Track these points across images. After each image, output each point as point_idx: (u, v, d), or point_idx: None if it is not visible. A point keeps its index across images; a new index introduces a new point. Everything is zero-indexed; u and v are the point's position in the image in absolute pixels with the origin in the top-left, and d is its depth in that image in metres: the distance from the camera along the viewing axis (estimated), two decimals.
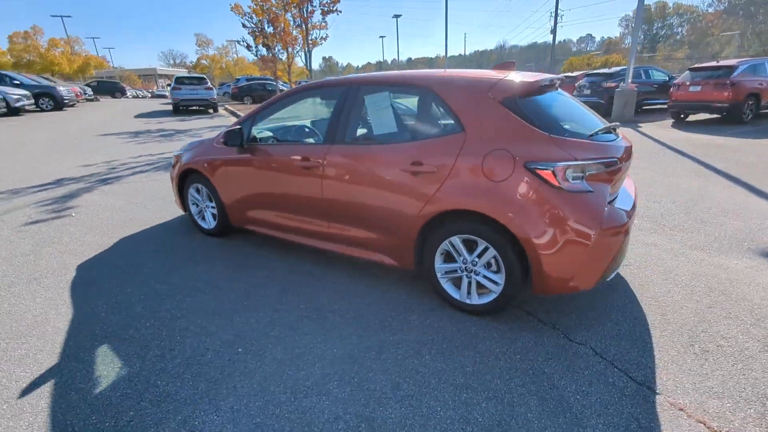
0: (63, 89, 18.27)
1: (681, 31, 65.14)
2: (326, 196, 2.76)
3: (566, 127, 2.24)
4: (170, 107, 17.15)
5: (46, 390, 1.88)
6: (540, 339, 2.18)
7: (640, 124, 10.60)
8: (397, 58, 58.66)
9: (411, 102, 2.58)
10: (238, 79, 27.45)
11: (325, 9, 16.29)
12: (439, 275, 2.46)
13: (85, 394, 1.86)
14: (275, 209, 3.15)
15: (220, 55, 66.37)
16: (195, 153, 3.62)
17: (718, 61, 10.71)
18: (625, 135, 2.68)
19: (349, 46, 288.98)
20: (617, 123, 2.65)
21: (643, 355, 2.04)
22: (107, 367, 2.04)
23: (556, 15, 31.57)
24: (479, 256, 2.27)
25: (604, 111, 12.29)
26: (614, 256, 2.12)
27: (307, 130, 3.44)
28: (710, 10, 58.26)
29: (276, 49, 17.85)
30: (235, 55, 64.39)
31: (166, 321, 2.42)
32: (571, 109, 2.55)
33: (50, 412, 1.76)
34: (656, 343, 2.12)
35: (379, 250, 2.65)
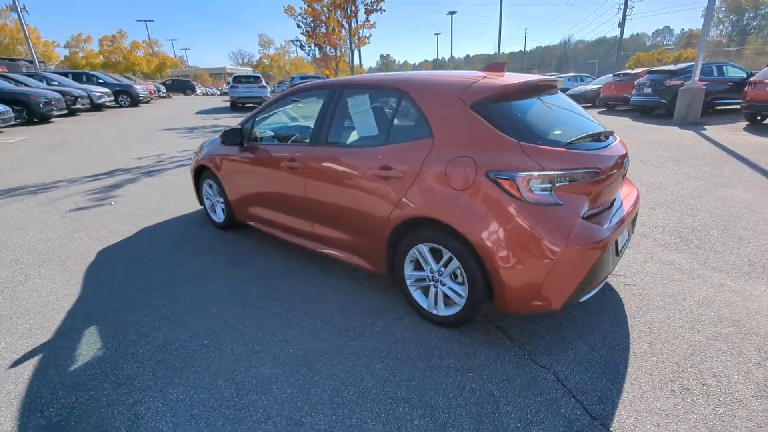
0: (139, 87, 20.42)
1: None
2: (309, 196, 2.80)
3: (545, 133, 2.08)
4: (230, 104, 18.36)
5: (31, 363, 2.11)
6: (502, 358, 2.06)
7: (706, 127, 9.54)
8: (452, 55, 57.64)
9: (391, 105, 2.54)
10: (293, 78, 28.58)
11: (369, 8, 16.44)
12: (408, 282, 2.40)
13: (61, 371, 2.05)
14: (270, 207, 3.25)
15: (280, 54, 69.31)
16: (208, 150, 3.83)
17: None
18: (623, 141, 2.44)
19: (406, 43, 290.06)
20: (611, 129, 2.41)
21: (611, 386, 1.85)
22: (88, 347, 2.23)
23: (626, 6, 29.21)
24: (445, 266, 2.19)
25: (666, 111, 11.23)
26: (586, 275, 1.94)
27: (302, 130, 3.51)
28: None
29: (326, 48, 18.32)
30: (294, 54, 66.95)
31: (153, 309, 2.60)
32: (562, 114, 2.37)
33: (28, 383, 1.97)
34: (630, 374, 1.92)
35: (356, 253, 2.65)
